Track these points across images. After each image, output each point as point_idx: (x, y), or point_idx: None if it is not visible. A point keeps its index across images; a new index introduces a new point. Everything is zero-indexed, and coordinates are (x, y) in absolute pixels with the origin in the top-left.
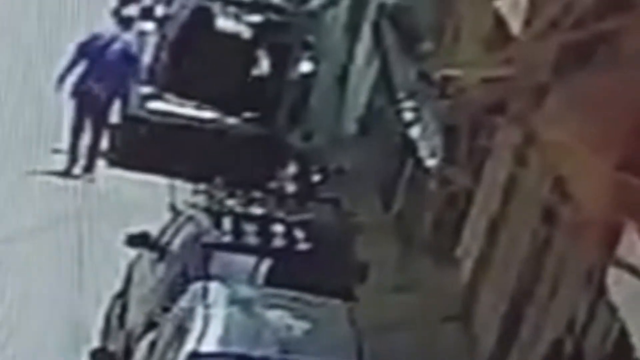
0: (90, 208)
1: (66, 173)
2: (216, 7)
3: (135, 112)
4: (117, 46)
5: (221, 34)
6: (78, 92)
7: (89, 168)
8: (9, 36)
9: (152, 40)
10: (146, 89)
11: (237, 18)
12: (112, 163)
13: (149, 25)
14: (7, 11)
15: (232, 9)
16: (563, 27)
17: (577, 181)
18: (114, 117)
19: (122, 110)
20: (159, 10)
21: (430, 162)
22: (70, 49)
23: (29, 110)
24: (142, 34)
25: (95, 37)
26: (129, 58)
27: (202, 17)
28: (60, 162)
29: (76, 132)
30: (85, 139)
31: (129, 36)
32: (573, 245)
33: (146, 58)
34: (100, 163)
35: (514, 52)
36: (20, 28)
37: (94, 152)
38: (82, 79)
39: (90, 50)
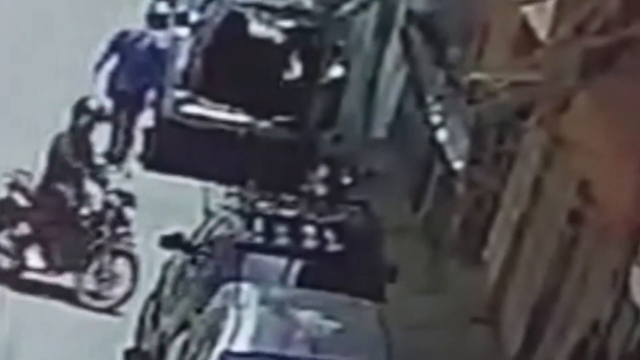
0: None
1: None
2: (249, 13)
3: (170, 116)
4: (145, 41)
5: (254, 39)
6: (112, 90)
7: (122, 161)
8: None
9: (186, 45)
10: (180, 93)
11: (270, 23)
12: (147, 166)
13: (183, 31)
14: None
15: (265, 15)
16: (588, 33)
17: (602, 184)
18: (149, 120)
19: (157, 114)
20: (193, 16)
21: (458, 165)
22: (102, 46)
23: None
24: (177, 39)
25: (124, 34)
26: (157, 53)
27: (235, 23)
28: None
29: (114, 128)
30: (120, 135)
31: (157, 33)
32: (598, 247)
33: (180, 62)
34: (135, 166)
35: (541, 57)
36: None
37: (128, 146)
38: (114, 75)
39: (121, 46)
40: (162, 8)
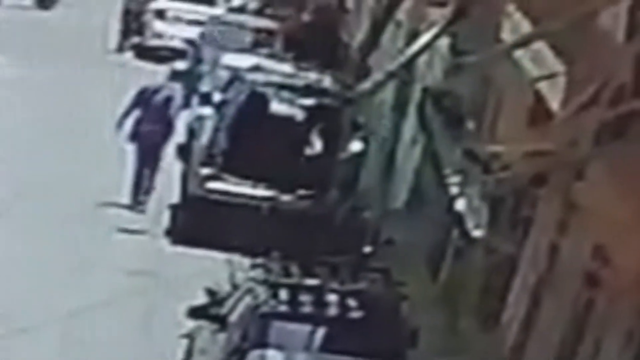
0: (155, 283)
1: (131, 207)
2: (270, 92)
3: (195, 192)
4: (164, 92)
5: (276, 116)
6: (134, 135)
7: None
8: None
9: (210, 124)
10: (205, 170)
11: (291, 102)
12: (174, 241)
13: (207, 110)
14: None
15: (285, 94)
16: (600, 105)
17: (616, 248)
18: (175, 197)
19: (183, 191)
20: (217, 96)
21: (476, 233)
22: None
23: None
24: (201, 118)
25: (146, 88)
26: (173, 101)
27: (257, 101)
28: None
29: (137, 171)
30: (145, 179)
31: (174, 84)
32: (613, 308)
33: (204, 140)
34: (164, 241)
35: (554, 128)
36: None
37: (150, 188)
38: (137, 123)
39: (143, 98)
40: (180, 65)
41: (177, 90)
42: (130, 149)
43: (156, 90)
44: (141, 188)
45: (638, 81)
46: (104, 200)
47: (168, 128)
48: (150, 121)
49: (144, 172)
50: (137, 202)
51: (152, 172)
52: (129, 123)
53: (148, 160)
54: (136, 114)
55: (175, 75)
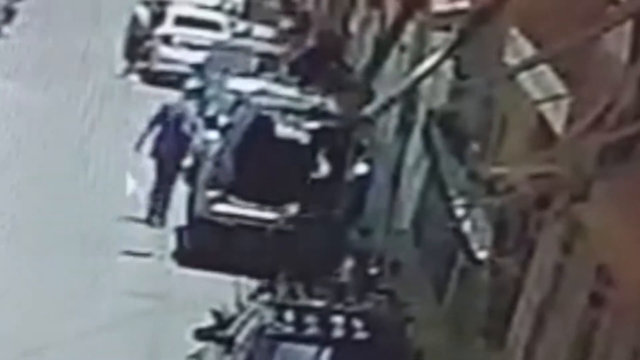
0: (161, 305)
1: (148, 221)
2: (276, 116)
3: (202, 215)
4: (181, 110)
5: (281, 139)
6: (155, 151)
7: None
8: None
9: (215, 147)
10: (211, 193)
11: (296, 125)
12: (181, 263)
13: (213, 134)
14: None
15: (290, 117)
16: (604, 128)
17: (620, 267)
18: (182, 219)
19: (189, 213)
20: (222, 120)
21: (481, 255)
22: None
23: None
24: (207, 142)
25: (166, 106)
26: (189, 119)
27: (262, 125)
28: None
29: (156, 186)
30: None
31: (188, 103)
32: (618, 327)
33: (211, 163)
34: (171, 264)
35: (558, 150)
36: None
37: (167, 203)
38: (157, 139)
39: (162, 116)
40: (193, 84)
41: (191, 108)
42: (151, 164)
43: (174, 108)
44: (159, 202)
45: None
46: (120, 215)
47: (185, 144)
48: (168, 138)
49: (163, 187)
50: (156, 215)
51: (169, 187)
52: (149, 140)
53: (167, 175)
54: (157, 130)
55: (189, 94)
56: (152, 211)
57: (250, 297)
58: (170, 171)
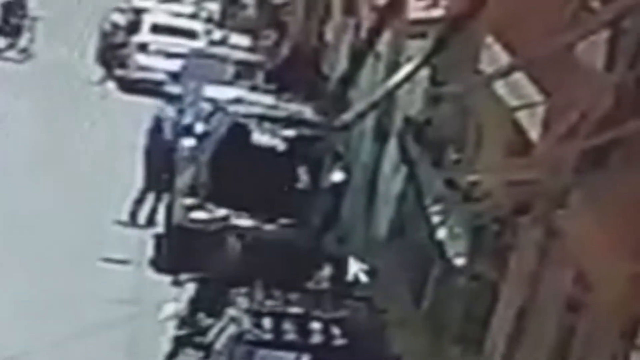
0: (140, 311)
1: (131, 224)
2: (252, 123)
3: (179, 222)
4: (168, 117)
5: (257, 147)
6: (145, 156)
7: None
8: None
9: (192, 155)
10: (189, 200)
11: (272, 133)
12: (159, 269)
13: (189, 141)
14: None
15: (267, 125)
16: (581, 134)
17: (597, 273)
18: (160, 227)
19: (167, 220)
20: (199, 127)
21: (458, 261)
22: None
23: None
24: (183, 149)
25: (156, 116)
26: (173, 125)
27: (239, 132)
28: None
29: (142, 191)
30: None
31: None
32: (596, 333)
33: (188, 171)
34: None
35: (535, 158)
36: None
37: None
38: (147, 145)
39: (153, 124)
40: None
41: (173, 114)
42: (140, 169)
43: (162, 116)
44: (142, 207)
45: (617, 111)
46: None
47: (171, 150)
48: (156, 144)
49: (150, 193)
50: (137, 218)
51: (158, 192)
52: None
53: (154, 181)
54: (147, 138)
55: (170, 100)
56: (133, 215)
57: (228, 304)
58: (157, 179)
